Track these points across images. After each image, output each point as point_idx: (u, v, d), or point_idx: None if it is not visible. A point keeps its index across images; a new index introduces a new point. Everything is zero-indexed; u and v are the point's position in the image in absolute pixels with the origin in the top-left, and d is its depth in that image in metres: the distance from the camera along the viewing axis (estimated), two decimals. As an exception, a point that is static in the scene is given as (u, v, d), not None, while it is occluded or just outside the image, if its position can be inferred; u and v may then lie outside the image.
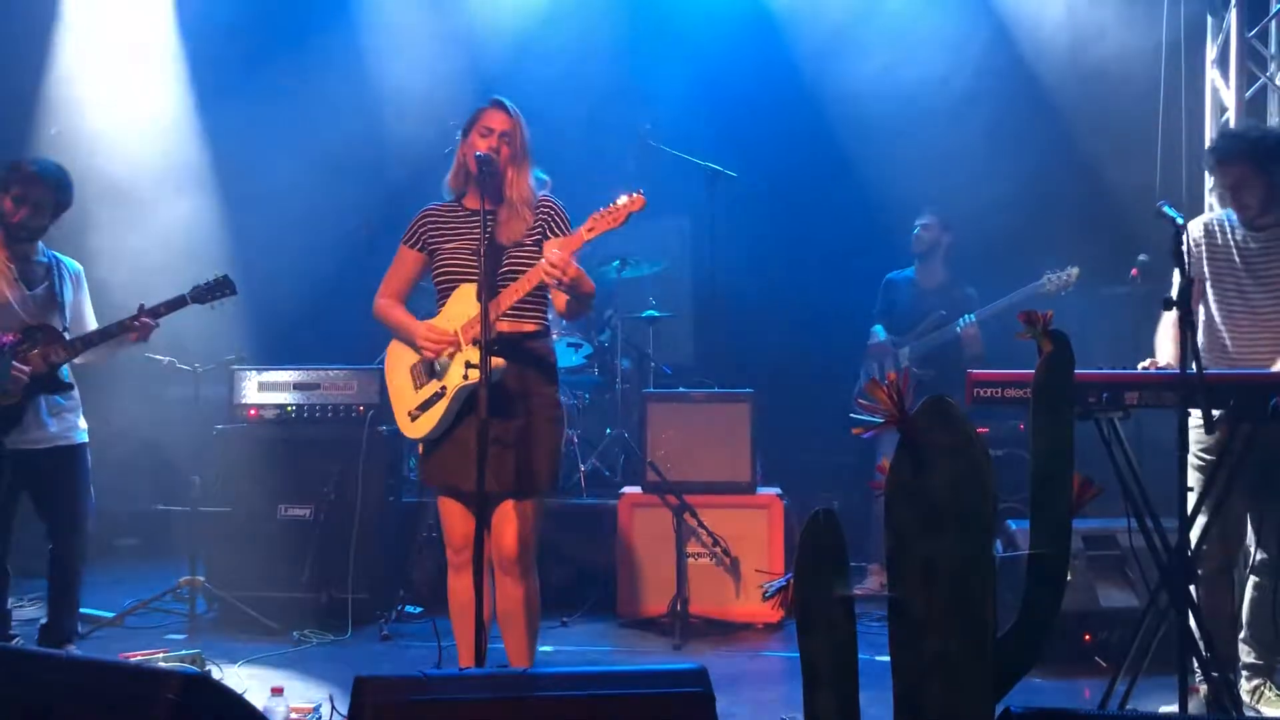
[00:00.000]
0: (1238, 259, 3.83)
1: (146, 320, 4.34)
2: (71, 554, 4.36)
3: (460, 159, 3.62)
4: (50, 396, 4.29)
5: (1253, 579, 3.87)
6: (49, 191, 4.28)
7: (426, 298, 3.75)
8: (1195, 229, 3.89)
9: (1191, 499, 3.48)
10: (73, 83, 6.79)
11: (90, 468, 4.50)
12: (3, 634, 4.21)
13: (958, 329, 5.78)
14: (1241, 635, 3.86)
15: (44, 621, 4.43)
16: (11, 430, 4.20)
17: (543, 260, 3.31)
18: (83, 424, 4.46)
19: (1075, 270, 5.41)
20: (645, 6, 7.26)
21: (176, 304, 4.42)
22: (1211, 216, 4.04)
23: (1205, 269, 3.87)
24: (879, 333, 6.11)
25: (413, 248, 3.67)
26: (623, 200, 3.31)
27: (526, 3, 7.28)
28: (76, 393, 4.45)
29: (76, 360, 4.37)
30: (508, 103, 3.59)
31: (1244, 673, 3.85)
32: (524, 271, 3.48)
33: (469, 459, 3.24)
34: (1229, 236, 3.86)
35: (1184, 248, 3.33)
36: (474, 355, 3.32)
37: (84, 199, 5.08)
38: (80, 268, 4.58)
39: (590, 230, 3.33)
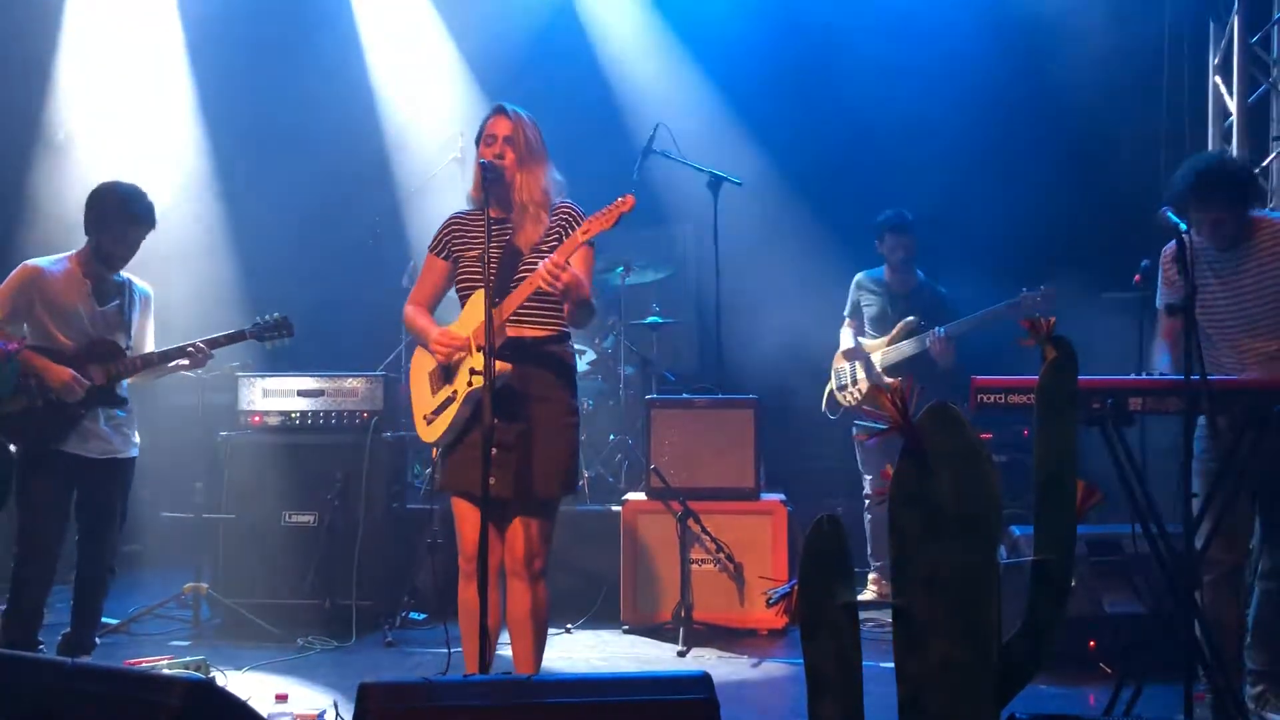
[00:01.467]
0: (1210, 274, 3.82)
1: (202, 347, 4.43)
2: (101, 560, 4.41)
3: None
4: (108, 409, 4.35)
5: (1259, 585, 3.86)
6: (145, 230, 4.38)
7: (455, 307, 3.72)
8: (1169, 249, 3.87)
9: (1196, 505, 3.47)
10: (78, 88, 6.81)
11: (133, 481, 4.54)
12: (31, 641, 4.24)
13: (926, 343, 5.61)
14: (1247, 642, 3.85)
15: (66, 630, 4.45)
16: (70, 436, 4.26)
17: (540, 265, 3.31)
18: (136, 438, 4.51)
19: (1053, 290, 5.32)
20: (649, 15, 7.28)
21: (235, 338, 4.53)
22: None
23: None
24: (849, 338, 5.99)
25: (440, 256, 3.66)
26: (613, 203, 3.32)
27: (531, 11, 7.30)
28: (134, 407, 4.51)
29: (135, 379, 4.45)
30: (508, 107, 3.59)
31: (1249, 679, 3.84)
32: None
33: (480, 463, 3.24)
34: (1199, 254, 3.84)
35: (1187, 254, 3.33)
36: (480, 360, 3.31)
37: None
38: (150, 291, 4.61)
39: (585, 233, 3.33)
